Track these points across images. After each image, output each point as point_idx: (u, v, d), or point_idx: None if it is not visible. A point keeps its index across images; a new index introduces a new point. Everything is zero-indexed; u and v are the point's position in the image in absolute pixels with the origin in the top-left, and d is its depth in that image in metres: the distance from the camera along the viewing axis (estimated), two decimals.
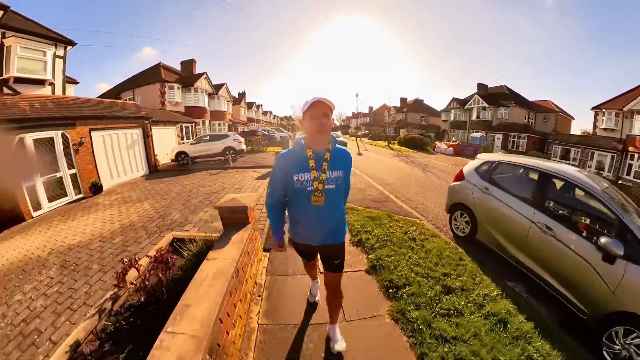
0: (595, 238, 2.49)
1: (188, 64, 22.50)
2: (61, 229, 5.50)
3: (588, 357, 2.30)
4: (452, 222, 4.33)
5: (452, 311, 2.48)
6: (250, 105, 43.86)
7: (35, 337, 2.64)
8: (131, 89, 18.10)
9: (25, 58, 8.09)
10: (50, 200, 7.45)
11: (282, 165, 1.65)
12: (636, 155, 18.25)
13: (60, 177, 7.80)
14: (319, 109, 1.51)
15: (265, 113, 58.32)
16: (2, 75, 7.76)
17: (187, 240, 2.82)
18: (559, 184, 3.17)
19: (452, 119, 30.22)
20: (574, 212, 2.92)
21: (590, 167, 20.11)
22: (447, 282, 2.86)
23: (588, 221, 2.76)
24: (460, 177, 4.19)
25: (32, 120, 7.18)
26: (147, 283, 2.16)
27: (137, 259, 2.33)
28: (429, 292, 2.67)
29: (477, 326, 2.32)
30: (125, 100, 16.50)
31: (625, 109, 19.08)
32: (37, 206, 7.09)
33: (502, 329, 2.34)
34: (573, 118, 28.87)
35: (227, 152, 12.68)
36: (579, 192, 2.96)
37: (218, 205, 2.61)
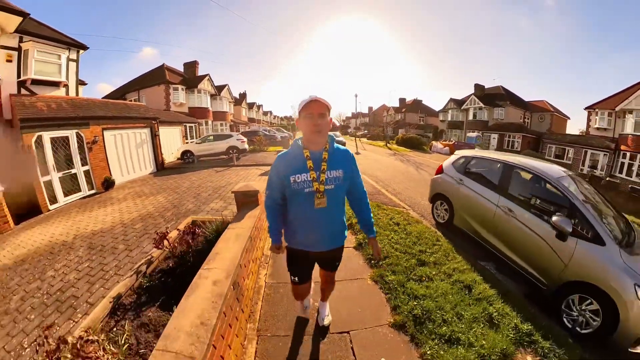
0: (549, 218, 2.90)
1: (191, 66, 23.07)
2: (81, 219, 6.04)
3: (548, 323, 2.58)
4: (433, 210, 4.87)
5: (423, 277, 3.00)
6: (251, 106, 44.43)
7: (73, 301, 3.15)
8: (136, 90, 18.66)
9: (42, 61, 8.62)
10: (66, 194, 8.00)
11: (280, 166, 1.62)
12: (628, 154, 18.72)
13: (75, 174, 8.34)
14: (315, 109, 1.47)
15: (265, 113, 58.90)
16: (20, 77, 8.29)
17: (207, 221, 3.35)
18: (521, 173, 3.68)
19: (449, 119, 30.77)
20: (533, 196, 3.42)
21: (584, 165, 20.61)
22: (422, 257, 3.38)
23: (544, 204, 3.25)
24: (440, 171, 4.73)
25: (49, 119, 7.73)
26: (176, 250, 2.68)
27: (167, 231, 2.85)
28: (405, 263, 3.20)
29: (444, 289, 2.82)
30: (130, 101, 17.07)
31: (617, 108, 19.54)
32: (54, 200, 7.63)
33: (466, 293, 2.83)
34: (569, 118, 29.36)
35: (230, 151, 13.22)
36: (541, 181, 3.45)
37: (234, 190, 3.16)
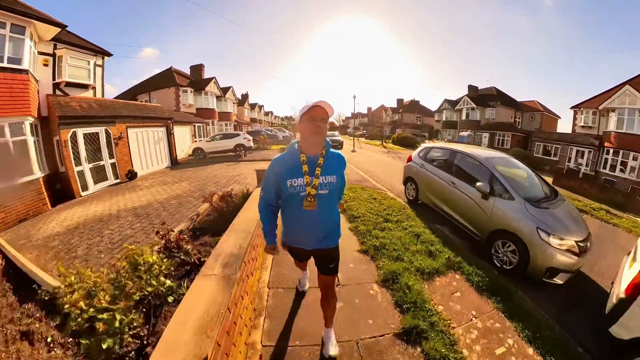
0: (490, 191, 3.94)
1: (197, 68, 24.38)
2: (117, 200, 7.26)
3: (475, 258, 3.62)
4: (405, 191, 6.12)
5: (385, 228, 4.22)
6: (253, 106, 45.69)
7: (133, 246, 4.35)
8: (147, 91, 19.92)
9: (74, 66, 9.85)
10: (95, 183, 9.23)
11: (276, 169, 1.66)
12: (612, 150, 19.85)
13: (103, 165, 9.58)
14: (318, 113, 1.53)
15: (267, 113, 60.19)
16: (55, 80, 9.51)
17: (233, 194, 4.53)
18: (461, 156, 4.85)
19: (444, 119, 31.98)
20: (467, 172, 4.59)
21: (569, 162, 21.73)
22: (388, 217, 4.60)
23: (474, 176, 4.42)
24: (410, 159, 5.98)
25: (82, 117, 8.98)
26: (218, 206, 3.88)
27: (211, 196, 4.06)
28: (374, 220, 4.43)
29: (399, 235, 4.03)
30: (142, 101, 18.31)
31: (601, 107, 20.68)
32: (85, 187, 8.84)
33: (415, 238, 4.02)
34: (559, 117, 30.47)
35: (238, 149, 14.48)
36: (472, 160, 4.63)
37: (256, 169, 4.35)
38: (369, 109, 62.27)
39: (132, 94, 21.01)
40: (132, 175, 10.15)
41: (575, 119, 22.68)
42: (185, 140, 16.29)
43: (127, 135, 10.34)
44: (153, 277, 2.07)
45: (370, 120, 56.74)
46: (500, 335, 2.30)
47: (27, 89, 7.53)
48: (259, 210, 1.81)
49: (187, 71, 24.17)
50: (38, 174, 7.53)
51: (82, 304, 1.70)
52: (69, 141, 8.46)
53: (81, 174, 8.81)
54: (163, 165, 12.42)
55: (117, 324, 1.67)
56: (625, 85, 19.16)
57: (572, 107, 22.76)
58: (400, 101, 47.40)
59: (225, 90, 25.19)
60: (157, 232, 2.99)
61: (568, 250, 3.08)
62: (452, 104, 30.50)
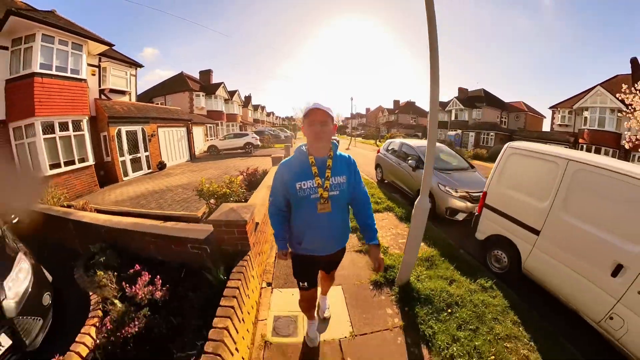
0: (416, 166, 6.07)
1: (206, 73, 26.45)
2: (160, 181, 9.21)
3: (408, 207, 5.80)
4: (376, 174, 8.37)
5: None
6: (255, 108, 47.76)
7: (187, 205, 6.30)
8: (162, 95, 21.93)
9: (115, 76, 11.85)
10: (133, 171, 11.20)
11: (284, 173, 1.64)
12: (585, 146, 21.84)
13: (139, 157, 11.57)
14: (316, 116, 1.51)
15: (268, 114, 62.28)
16: (100, 87, 11.48)
17: (258, 171, 6.50)
18: (404, 147, 6.95)
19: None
20: (407, 155, 6.64)
21: None
22: None
23: (409, 158, 6.42)
24: (379, 151, 8.20)
25: (125, 118, 10.97)
26: (248, 177, 5.82)
27: (244, 171, 6.01)
28: None
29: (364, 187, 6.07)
30: (157, 104, 20.28)
31: (575, 107, 22.73)
32: (125, 174, 10.82)
33: (375, 202, 5.99)
34: (544, 117, 32.48)
35: (247, 146, 16.50)
36: (409, 148, 6.71)
37: (273, 156, 6.33)
38: (368, 109, 64.36)
39: (149, 96, 22.98)
40: (162, 166, 12.14)
41: (553, 118, 24.67)
42: (199, 138, 18.29)
43: (158, 133, 12.33)
44: (239, 188, 4.12)
45: (368, 120, 58.83)
46: (404, 235, 4.30)
47: (85, 94, 9.55)
48: (270, 216, 1.79)
49: (181, 72, 26.03)
50: (91, 161, 9.52)
51: (214, 187, 3.78)
52: (115, 136, 10.45)
53: (123, 163, 10.82)
54: (184, 160, 14.43)
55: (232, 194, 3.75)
56: (597, 87, 21.21)
57: (550, 107, 24.78)
58: (396, 102, 49.48)
59: (232, 93, 27.23)
60: (241, 172, 5.70)
61: (461, 197, 5.03)
62: (443, 105, 32.52)
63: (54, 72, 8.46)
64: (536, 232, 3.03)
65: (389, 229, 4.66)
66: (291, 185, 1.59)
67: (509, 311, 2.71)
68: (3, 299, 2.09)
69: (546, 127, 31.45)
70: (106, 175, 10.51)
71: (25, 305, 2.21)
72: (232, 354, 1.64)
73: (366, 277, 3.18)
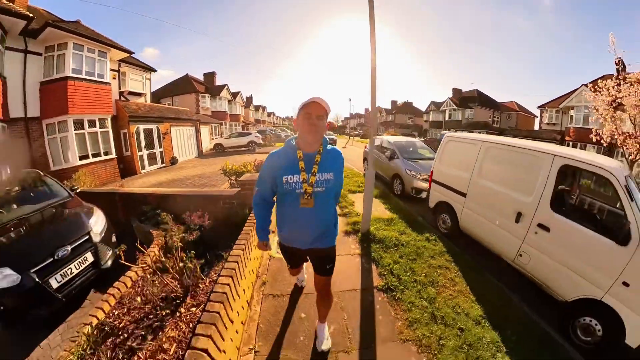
0: (390, 157, 7.40)
1: (210, 75, 27.75)
2: (176, 173, 10.46)
3: (385, 190, 7.07)
4: (364, 167, 9.42)
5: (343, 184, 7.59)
6: (257, 108, 49.10)
7: (207, 187, 7.55)
8: (170, 96, 23.23)
9: (133, 79, 13.13)
10: (149, 165, 12.47)
11: (272, 163, 1.65)
12: (571, 144, 22.96)
13: (155, 152, 12.83)
14: (314, 110, 1.50)
15: (269, 114, 63.64)
16: (120, 89, 12.76)
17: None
18: (385, 144, 8.15)
19: (430, 119, 35.27)
20: (386, 149, 7.88)
21: None
22: (346, 176, 7.83)
23: (388, 152, 7.68)
24: (366, 147, 9.30)
25: (143, 117, 12.24)
26: (257, 167, 7.08)
27: (249, 163, 7.27)
28: None
29: (348, 182, 7.30)
30: (165, 104, 21.59)
31: (561, 106, 23.88)
32: (142, 167, 12.07)
33: (358, 185, 7.20)
34: (536, 116, 33.63)
35: (250, 144, 17.78)
36: (387, 144, 7.95)
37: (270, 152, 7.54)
38: (366, 109, 65.57)
39: (156, 97, 24.24)
40: (174, 161, 13.42)
41: (541, 117, 25.81)
42: (205, 137, 19.57)
43: (170, 131, 13.61)
44: (252, 169, 5.46)
45: (366, 120, 60.01)
46: (378, 207, 5.53)
47: (109, 95, 10.84)
48: (254, 204, 1.79)
49: (186, 74, 27.45)
50: (114, 154, 10.79)
51: (235, 167, 5.11)
52: (134, 134, 11.72)
53: (141, 157, 12.10)
54: (193, 156, 15.72)
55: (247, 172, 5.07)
56: (581, 87, 22.35)
57: (538, 107, 25.97)
58: (394, 103, 50.71)
59: (235, 95, 28.55)
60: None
61: (424, 179, 6.28)
62: (437, 105, 33.77)
63: (83, 76, 9.74)
64: (464, 195, 4.26)
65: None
66: (278, 177, 1.60)
67: (445, 254, 3.79)
68: (91, 230, 3.34)
69: (538, 125, 32.62)
70: (125, 168, 11.77)
71: (102, 238, 3.45)
72: (249, 253, 2.85)
73: (340, 230, 4.42)
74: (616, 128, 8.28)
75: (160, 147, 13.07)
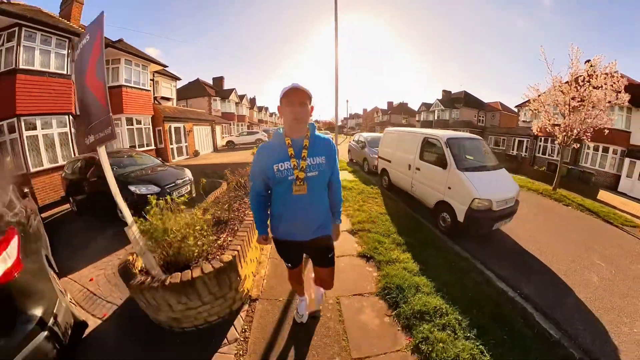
0: (362, 147, 10.25)
1: (219, 80, 30.76)
2: (202, 161, 13.35)
3: (361, 172, 9.95)
4: (348, 156, 12.48)
5: None
6: (260, 109, 52.06)
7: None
8: (185, 99, 26.18)
9: (164, 87, 16.07)
10: (177, 156, 15.37)
11: (262, 155, 1.65)
12: (542, 139, 25.64)
13: (181, 146, 15.76)
14: (295, 96, 1.49)
15: (271, 115, 66.60)
16: (155, 95, 15.67)
17: None
18: (361, 137, 11.10)
19: (422, 119, 38.07)
20: (360, 142, 10.81)
21: (514, 149, 27.56)
22: None
23: (363, 144, 10.57)
24: (350, 142, 12.27)
25: (174, 117, 15.15)
26: None
27: None
28: None
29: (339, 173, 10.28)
30: (181, 107, 24.58)
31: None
32: (173, 157, 14.98)
33: (342, 167, 10.12)
34: (518, 115, 36.35)
35: (257, 141, 20.73)
36: (362, 137, 10.89)
37: None
38: (365, 110, 68.46)
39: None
40: (196, 153, 16.35)
41: (518, 115, 28.50)
42: (217, 136, 22.50)
43: (193, 129, 16.53)
44: None
45: (364, 120, 62.88)
46: (348, 177, 8.45)
47: (150, 100, 13.79)
48: (250, 200, 1.80)
49: (197, 78, 30.46)
50: (152, 146, 13.71)
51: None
52: (167, 130, 14.64)
53: (172, 149, 15.01)
54: (209, 151, 18.66)
55: None
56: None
57: (516, 106, 28.67)
58: (390, 103, 53.55)
59: (241, 97, 31.54)
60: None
61: (381, 158, 9.07)
62: (428, 106, 36.55)
63: (132, 84, 12.67)
64: (390, 162, 7.12)
65: (341, 174, 8.76)
66: (269, 168, 1.59)
67: (378, 194, 6.75)
68: (188, 175, 6.23)
69: (518, 123, 35.27)
70: (159, 157, 14.69)
71: (192, 180, 6.33)
72: None
73: None
74: (549, 120, 10.46)
75: (185, 142, 15.99)
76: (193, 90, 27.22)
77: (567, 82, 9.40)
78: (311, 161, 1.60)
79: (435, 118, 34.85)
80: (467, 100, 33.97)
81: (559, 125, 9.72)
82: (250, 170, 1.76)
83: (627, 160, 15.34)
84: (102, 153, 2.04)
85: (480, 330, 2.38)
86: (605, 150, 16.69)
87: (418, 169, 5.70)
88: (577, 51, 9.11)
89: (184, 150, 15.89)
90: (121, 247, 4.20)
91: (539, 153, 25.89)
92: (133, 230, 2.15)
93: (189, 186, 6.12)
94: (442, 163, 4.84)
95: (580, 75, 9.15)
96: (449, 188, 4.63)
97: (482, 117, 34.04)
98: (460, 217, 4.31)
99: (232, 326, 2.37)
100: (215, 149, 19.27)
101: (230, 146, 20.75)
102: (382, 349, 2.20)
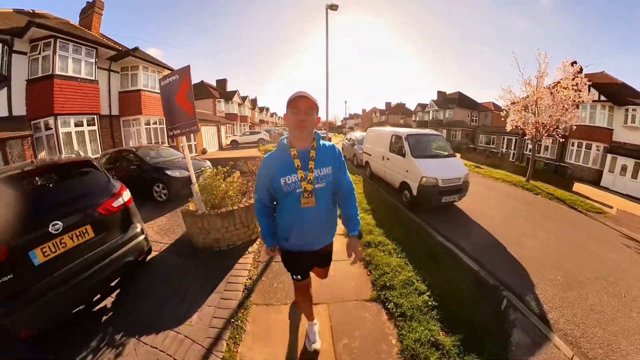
0: (352, 144, 11.63)
1: (222, 82, 32.28)
2: (211, 157, 14.78)
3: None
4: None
5: None
6: (261, 110, 53.53)
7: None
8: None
9: None
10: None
11: (267, 167, 1.62)
12: (528, 135, 26.90)
13: (191, 144, 17.20)
14: (301, 104, 1.47)
15: (272, 115, 68.15)
16: None
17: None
18: (353, 136, 12.60)
19: (418, 119, 39.46)
20: (351, 141, 12.18)
21: (502, 147, 28.86)
22: None
23: (352, 142, 12.00)
24: (343, 141, 13.74)
25: None
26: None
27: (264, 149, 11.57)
28: None
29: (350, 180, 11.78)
30: None
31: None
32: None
33: None
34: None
35: (259, 141, 22.19)
36: (352, 136, 12.35)
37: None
38: (363, 110, 69.83)
39: None
40: (204, 151, 17.83)
41: (507, 115, 29.73)
42: (222, 135, 23.96)
43: (201, 129, 18.00)
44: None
45: (363, 120, 64.29)
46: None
47: None
48: (255, 213, 1.76)
49: (201, 80, 31.96)
50: (166, 144, 15.13)
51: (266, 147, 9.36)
52: None
53: (182, 148, 16.42)
54: (215, 149, 20.13)
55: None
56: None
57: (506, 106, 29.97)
58: (388, 104, 54.94)
59: (243, 98, 33.03)
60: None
61: (365, 153, 10.46)
62: (422, 107, 37.93)
63: (149, 89, 14.12)
64: (370, 155, 8.55)
65: None
66: (275, 180, 1.56)
67: (361, 181, 8.24)
68: (208, 164, 7.68)
69: None
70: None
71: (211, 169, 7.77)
72: None
73: None
74: (520, 119, 11.47)
75: (194, 140, 17.45)
76: (198, 92, 28.68)
77: (535, 84, 10.70)
78: (318, 172, 1.57)
79: (430, 118, 36.23)
80: (460, 100, 35.30)
81: (532, 123, 11.01)
82: (256, 182, 1.72)
83: (609, 156, 16.27)
84: (184, 142, 3.70)
85: (409, 257, 3.70)
86: (589, 147, 17.72)
87: (388, 159, 7.13)
88: (545, 57, 10.41)
89: (193, 149, 17.34)
90: (158, 216, 5.63)
91: (526, 150, 27.22)
92: (195, 187, 3.72)
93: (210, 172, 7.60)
94: (402, 153, 6.27)
95: (546, 77, 10.48)
96: (407, 171, 6.06)
97: (475, 116, 35.35)
98: (415, 192, 5.73)
99: (250, 246, 3.84)
100: (221, 148, 20.72)
101: (234, 145, 22.20)
102: (342, 257, 3.58)
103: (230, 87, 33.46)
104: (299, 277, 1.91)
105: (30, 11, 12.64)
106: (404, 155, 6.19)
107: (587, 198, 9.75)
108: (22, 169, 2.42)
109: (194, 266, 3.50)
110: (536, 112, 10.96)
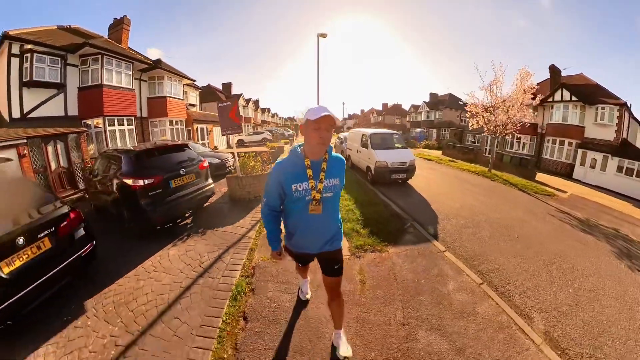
0: (341, 142, 14.19)
1: (227, 85, 34.93)
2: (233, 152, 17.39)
3: None
4: None
5: None
6: (263, 111, 56.18)
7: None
8: (200, 103, 30.29)
9: (191, 96, 20.18)
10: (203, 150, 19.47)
11: (280, 173, 1.71)
12: (514, 135, 29.18)
13: (205, 142, 19.84)
14: (326, 122, 1.57)
15: (273, 115, 70.82)
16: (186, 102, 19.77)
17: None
18: (343, 135, 15.13)
19: (411, 119, 41.98)
20: (340, 140, 14.74)
21: (487, 145, 31.26)
22: None
23: (341, 140, 14.57)
24: (335, 140, 16.28)
25: (200, 120, 19.28)
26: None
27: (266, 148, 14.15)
28: None
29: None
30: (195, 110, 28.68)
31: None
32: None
33: None
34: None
35: (263, 140, 24.84)
36: (342, 135, 14.83)
37: (278, 145, 14.38)
38: (362, 110, 72.31)
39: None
40: (216, 148, 20.43)
41: (472, 116, 32.15)
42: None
43: (213, 130, 20.64)
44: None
45: (361, 121, 66.78)
46: None
47: (184, 107, 17.91)
48: (262, 216, 1.86)
49: (208, 84, 34.62)
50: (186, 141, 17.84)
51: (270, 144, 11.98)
52: (196, 130, 18.74)
53: (209, 144, 19.07)
54: (224, 147, 22.73)
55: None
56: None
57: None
58: (384, 105, 57.40)
59: (247, 100, 35.69)
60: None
61: (348, 148, 12.96)
62: (416, 108, 40.42)
63: (172, 95, 16.76)
64: (351, 150, 11.18)
65: None
66: (287, 186, 1.67)
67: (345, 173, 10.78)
68: (226, 158, 10.29)
69: None
70: None
71: (228, 162, 10.40)
72: None
73: None
74: (483, 118, 13.63)
75: (207, 139, 20.09)
76: (204, 95, 31.32)
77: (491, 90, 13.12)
78: (327, 183, 1.70)
79: (423, 119, 38.71)
80: (450, 102, 37.68)
81: (490, 121, 13.28)
82: (266, 187, 1.80)
83: (580, 151, 17.91)
84: (233, 139, 6.74)
85: (357, 204, 6.30)
86: (562, 143, 19.45)
87: (359, 151, 9.78)
88: (501, 66, 12.57)
89: (206, 146, 19.97)
90: None
91: (507, 148, 29.57)
92: (237, 162, 6.46)
93: (232, 161, 10.22)
94: (366, 146, 8.94)
95: (499, 83, 12.88)
96: (369, 158, 8.73)
97: (464, 117, 37.80)
98: (373, 172, 8.36)
99: None
100: (229, 146, 23.36)
101: (240, 144, 24.84)
102: None
103: (237, 92, 36.14)
104: (300, 264, 2.33)
105: (68, 27, 15.16)
106: (367, 148, 8.81)
107: (547, 185, 10.70)
108: (156, 145, 5.03)
109: (235, 207, 6.12)
110: (496, 113, 13.16)
